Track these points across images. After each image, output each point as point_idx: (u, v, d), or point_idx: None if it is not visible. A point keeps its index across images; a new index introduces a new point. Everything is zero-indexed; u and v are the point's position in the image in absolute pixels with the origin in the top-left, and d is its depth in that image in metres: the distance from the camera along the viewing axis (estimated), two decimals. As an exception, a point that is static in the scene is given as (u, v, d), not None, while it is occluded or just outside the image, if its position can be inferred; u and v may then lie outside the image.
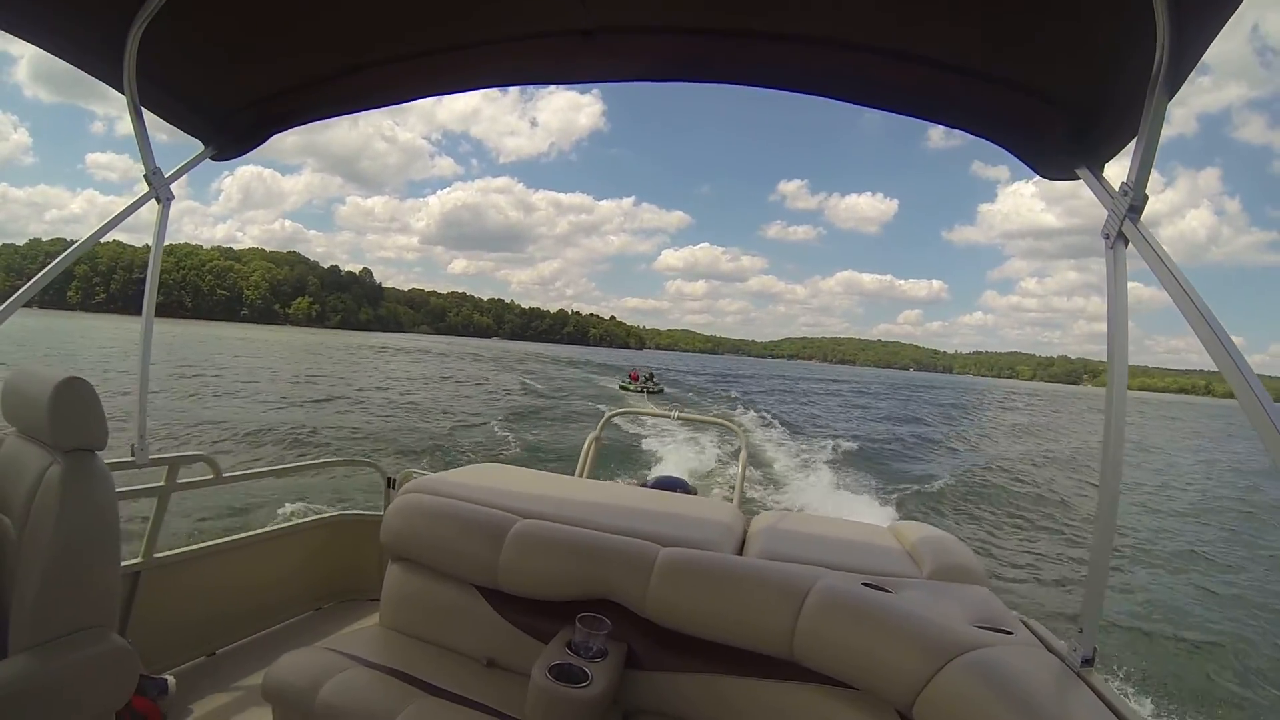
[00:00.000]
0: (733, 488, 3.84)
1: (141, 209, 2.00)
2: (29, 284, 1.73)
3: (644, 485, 3.95)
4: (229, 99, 2.08)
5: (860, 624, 1.48)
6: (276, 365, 37.28)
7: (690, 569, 1.72)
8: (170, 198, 2.03)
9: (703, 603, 1.66)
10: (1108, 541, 1.31)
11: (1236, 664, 6.82)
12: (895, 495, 13.55)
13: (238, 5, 1.66)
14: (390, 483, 3.02)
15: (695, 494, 3.75)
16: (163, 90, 1.96)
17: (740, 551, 2.02)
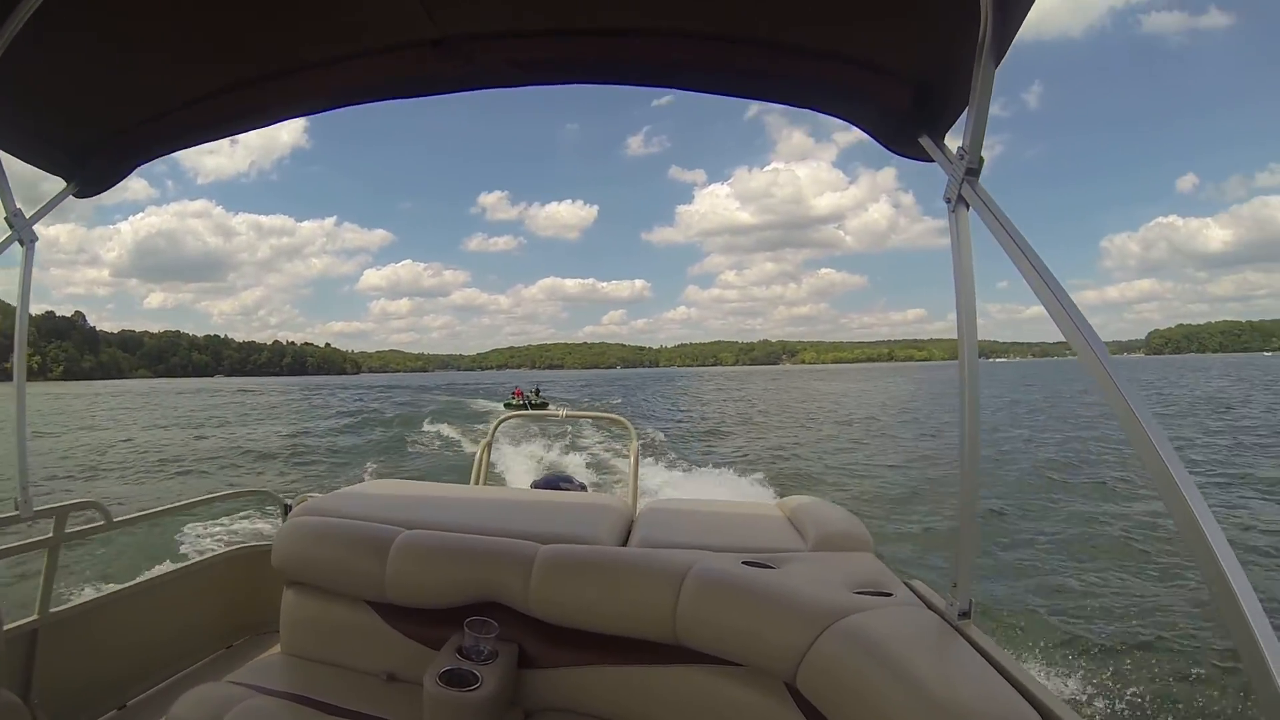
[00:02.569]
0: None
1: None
2: None
3: (533, 486, 4.00)
4: (87, 133, 2.00)
5: (737, 602, 1.54)
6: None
7: (569, 563, 1.78)
8: (34, 239, 1.95)
9: (585, 596, 1.72)
10: (973, 499, 1.36)
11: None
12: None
13: (88, 37, 1.60)
14: (287, 509, 2.94)
15: (585, 489, 3.79)
16: (17, 129, 1.89)
17: (625, 543, 2.07)
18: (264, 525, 8.68)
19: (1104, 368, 0.91)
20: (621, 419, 4.19)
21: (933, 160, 1.48)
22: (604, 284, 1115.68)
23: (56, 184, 2.08)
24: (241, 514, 9.48)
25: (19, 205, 1.91)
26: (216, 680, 1.79)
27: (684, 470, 14.94)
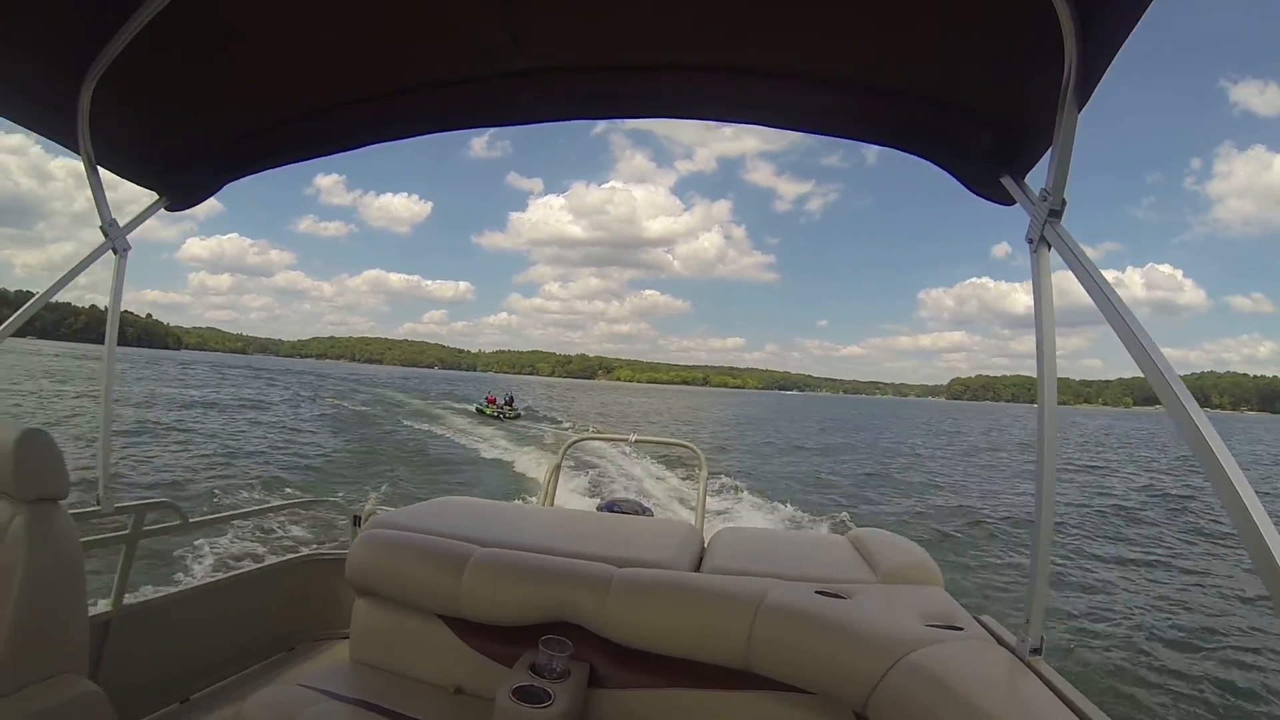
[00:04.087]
0: (693, 508, 3.87)
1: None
2: None
3: (601, 509, 3.99)
4: (181, 150, 2.10)
5: (811, 630, 1.53)
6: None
7: (645, 587, 1.78)
8: (127, 248, 2.05)
9: (659, 619, 1.71)
10: (1048, 535, 1.35)
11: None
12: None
13: (187, 58, 1.68)
14: (356, 520, 3.02)
15: (652, 514, 3.77)
16: (115, 145, 1.97)
17: (697, 568, 2.07)
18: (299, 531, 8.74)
19: (1186, 410, 0.92)
20: (692, 446, 4.18)
21: (1013, 202, 1.49)
22: (429, 282, 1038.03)
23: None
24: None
25: (114, 216, 2.00)
26: (277, 681, 1.85)
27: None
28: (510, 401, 35.37)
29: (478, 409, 34.77)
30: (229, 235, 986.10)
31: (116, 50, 1.57)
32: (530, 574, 1.89)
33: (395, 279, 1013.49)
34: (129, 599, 2.23)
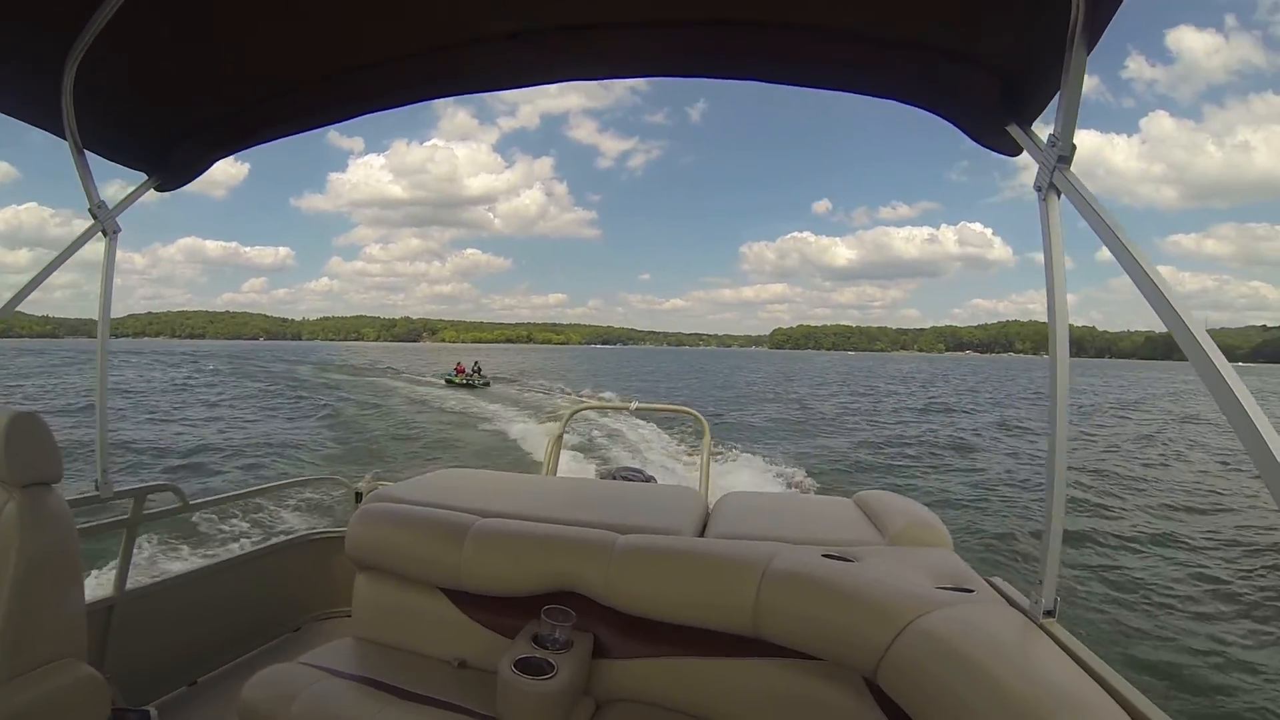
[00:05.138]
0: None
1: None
2: None
3: (605, 478, 3.99)
4: (170, 128, 2.07)
5: (819, 594, 1.50)
6: None
7: (648, 553, 1.76)
8: (117, 230, 2.03)
9: (664, 586, 1.70)
10: (1060, 495, 1.33)
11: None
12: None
13: (173, 32, 1.64)
14: (358, 496, 3.02)
15: (654, 481, 3.78)
16: (101, 127, 1.95)
17: (702, 534, 2.05)
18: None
19: (1207, 355, 0.89)
20: (694, 413, 4.16)
21: (1019, 151, 1.46)
22: (247, 249, 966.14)
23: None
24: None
25: (101, 198, 1.98)
26: (285, 661, 1.81)
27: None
28: (478, 369, 37.09)
29: (447, 380, 36.04)
30: (27, 205, 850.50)
31: (99, 27, 1.54)
32: (531, 543, 1.87)
33: (212, 246, 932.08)
34: (131, 585, 2.23)
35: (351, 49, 1.76)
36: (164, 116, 2.02)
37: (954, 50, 1.49)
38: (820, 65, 1.65)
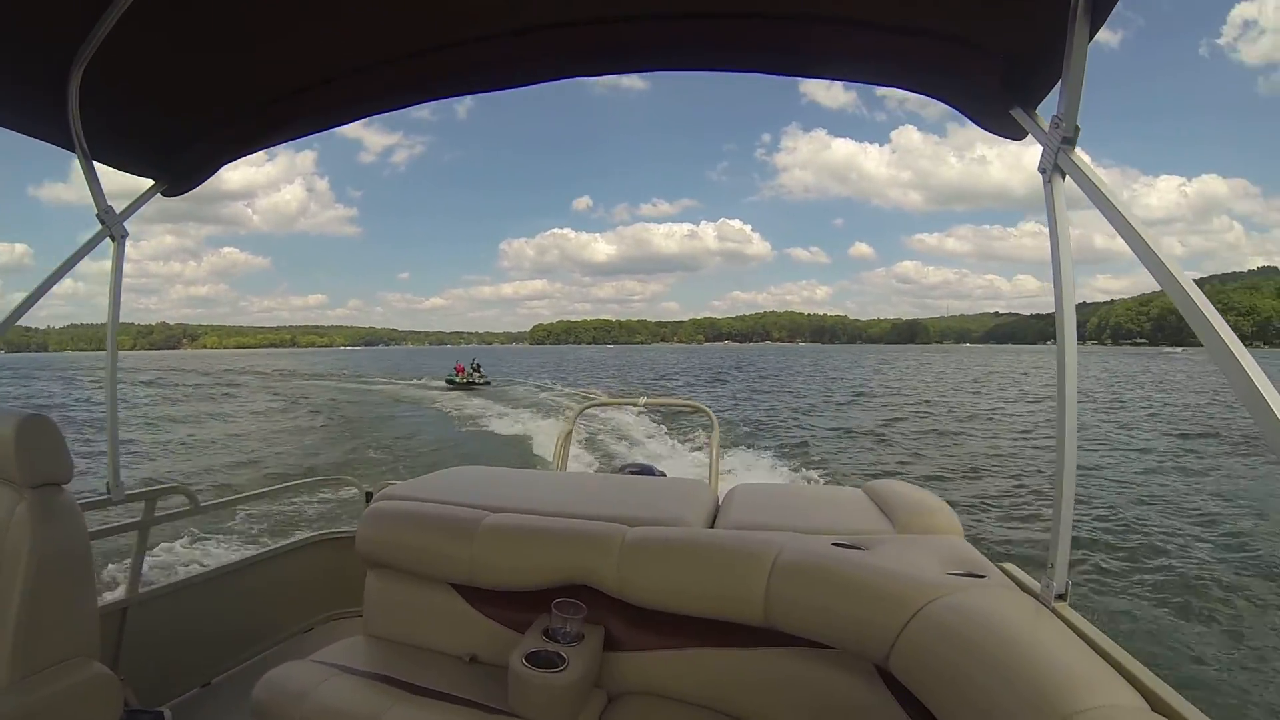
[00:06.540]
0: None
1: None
2: None
3: (614, 473, 3.98)
4: (176, 134, 2.06)
5: (829, 583, 1.50)
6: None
7: (658, 545, 1.76)
8: (125, 234, 2.04)
9: (674, 578, 1.69)
10: (1071, 478, 1.32)
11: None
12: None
13: (176, 38, 1.64)
14: (368, 496, 2.99)
15: (665, 476, 3.79)
16: (107, 135, 1.95)
17: (712, 526, 2.05)
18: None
19: (1216, 331, 0.89)
20: (703, 407, 4.15)
21: (1024, 135, 1.46)
22: None
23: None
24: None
25: (110, 203, 2.00)
26: (299, 660, 1.82)
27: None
28: (478, 368, 37.26)
29: (449, 380, 36.16)
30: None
31: (101, 36, 1.54)
32: (541, 537, 1.88)
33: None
34: (145, 586, 2.25)
35: (356, 51, 1.76)
36: (170, 122, 2.02)
37: (957, 36, 1.48)
38: (822, 55, 1.64)
